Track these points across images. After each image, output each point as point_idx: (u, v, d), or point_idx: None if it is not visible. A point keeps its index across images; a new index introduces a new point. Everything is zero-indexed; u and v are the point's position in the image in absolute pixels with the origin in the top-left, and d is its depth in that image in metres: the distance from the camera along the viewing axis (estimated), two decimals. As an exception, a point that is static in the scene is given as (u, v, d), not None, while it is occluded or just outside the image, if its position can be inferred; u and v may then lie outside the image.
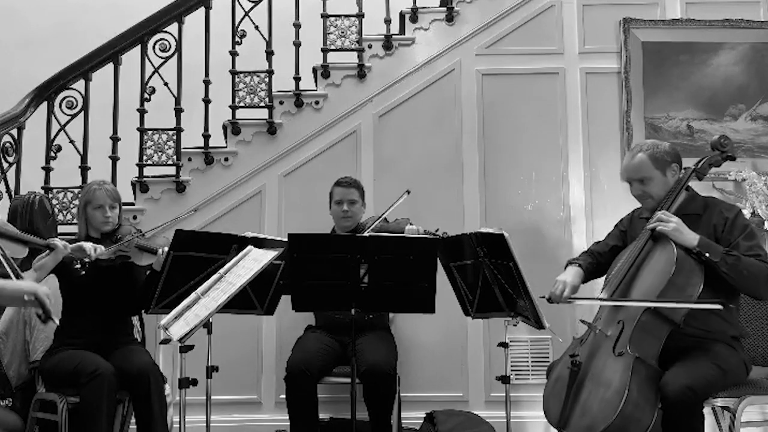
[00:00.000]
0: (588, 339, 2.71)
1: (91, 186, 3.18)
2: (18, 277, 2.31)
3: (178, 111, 4.15)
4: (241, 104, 4.22)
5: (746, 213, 3.87)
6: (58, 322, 2.27)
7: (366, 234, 3.02)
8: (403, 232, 3.21)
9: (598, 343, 2.64)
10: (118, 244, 3.02)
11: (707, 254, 2.56)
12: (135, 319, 3.38)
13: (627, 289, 2.66)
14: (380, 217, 3.31)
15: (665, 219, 2.63)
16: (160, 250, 2.98)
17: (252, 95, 4.22)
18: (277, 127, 4.16)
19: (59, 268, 2.95)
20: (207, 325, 2.69)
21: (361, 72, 4.21)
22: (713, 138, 2.88)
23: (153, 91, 4.14)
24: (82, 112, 4.09)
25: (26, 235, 2.86)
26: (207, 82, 4.20)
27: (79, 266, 2.84)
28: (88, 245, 2.92)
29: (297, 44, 4.25)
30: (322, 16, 4.27)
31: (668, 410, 2.45)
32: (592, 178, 4.13)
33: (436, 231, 3.17)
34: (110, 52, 4.10)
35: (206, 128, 4.17)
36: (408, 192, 3.24)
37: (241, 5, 4.25)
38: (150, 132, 4.14)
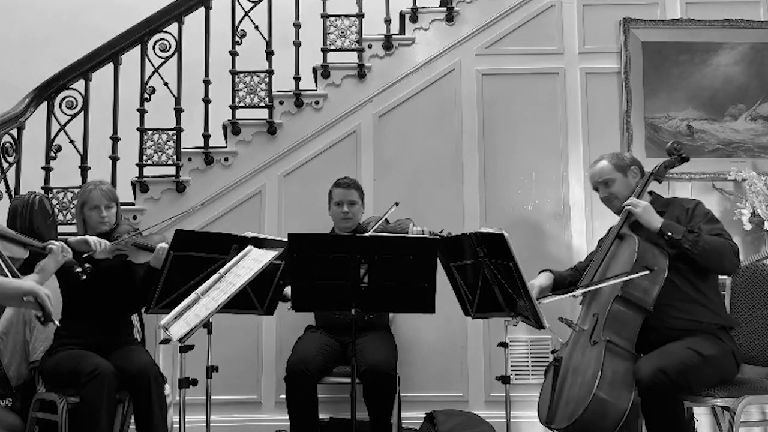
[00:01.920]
0: (570, 337, 2.85)
1: (87, 186, 3.18)
2: (16, 277, 2.28)
3: (178, 111, 4.15)
4: (241, 104, 4.22)
5: (746, 213, 3.88)
6: (58, 323, 2.22)
7: (366, 234, 3.02)
8: (406, 233, 3.21)
9: (577, 339, 2.80)
10: (115, 242, 3.01)
11: (670, 233, 2.71)
12: (135, 319, 3.38)
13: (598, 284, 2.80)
14: (380, 219, 3.31)
15: (635, 202, 2.84)
16: (158, 246, 2.99)
17: (252, 95, 4.21)
18: (277, 127, 4.16)
19: (60, 272, 2.94)
20: (207, 325, 2.69)
21: (361, 72, 4.21)
22: (667, 144, 3.07)
23: (153, 91, 4.14)
24: (82, 112, 4.08)
25: (24, 237, 2.85)
26: (207, 82, 4.20)
27: (80, 270, 2.83)
28: (93, 239, 2.92)
29: (297, 44, 4.25)
30: (322, 16, 4.27)
31: (643, 394, 2.53)
32: (592, 178, 4.13)
33: (441, 231, 3.17)
34: (110, 52, 4.10)
35: (206, 128, 4.17)
36: (396, 204, 3.29)
37: (241, 5, 4.24)
38: (150, 132, 4.14)
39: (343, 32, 4.28)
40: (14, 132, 3.91)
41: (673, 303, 2.72)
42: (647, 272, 2.65)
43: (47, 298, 2.12)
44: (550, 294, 2.93)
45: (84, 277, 2.81)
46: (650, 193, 2.98)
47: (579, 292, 2.83)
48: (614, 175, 2.95)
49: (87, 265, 2.85)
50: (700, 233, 2.71)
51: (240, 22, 4.24)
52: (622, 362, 2.60)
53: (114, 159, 4.09)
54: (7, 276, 2.28)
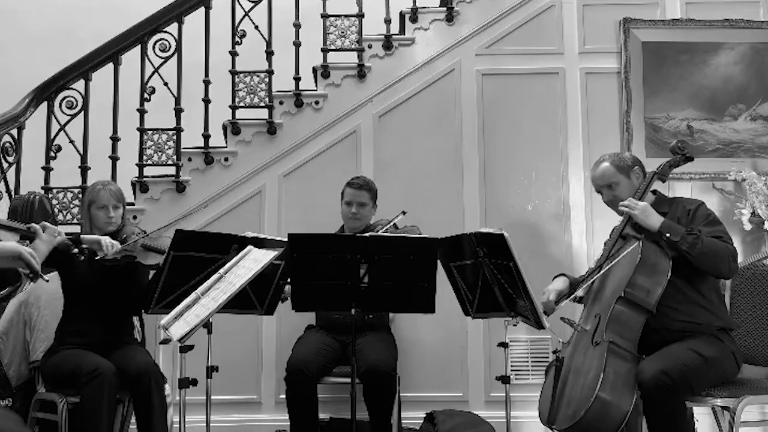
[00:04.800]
0: (572, 337, 2.84)
1: (95, 186, 3.17)
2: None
3: (178, 111, 4.15)
4: (241, 104, 4.21)
5: (746, 213, 3.88)
6: (47, 278, 2.33)
7: (366, 234, 3.02)
8: None
9: (579, 339, 2.79)
10: (125, 244, 3.01)
11: (668, 234, 2.70)
12: (135, 319, 3.38)
13: (601, 284, 2.83)
14: (388, 224, 3.29)
15: (632, 204, 2.80)
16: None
17: (252, 95, 4.21)
18: (277, 127, 4.16)
19: (61, 266, 2.92)
20: (207, 325, 2.69)
21: (361, 72, 4.21)
22: (671, 143, 3.01)
23: (153, 91, 4.14)
24: (82, 112, 4.08)
25: (9, 221, 2.77)
26: (207, 82, 4.20)
27: (77, 251, 2.78)
28: (105, 241, 2.87)
29: (297, 44, 4.25)
30: (322, 16, 4.28)
31: (645, 396, 2.53)
32: (592, 178, 4.13)
33: None
34: (110, 52, 4.10)
35: (206, 128, 4.17)
36: (404, 212, 3.28)
37: (241, 5, 4.24)
38: (150, 132, 4.14)
39: (343, 32, 4.28)
40: (14, 132, 3.91)
41: (673, 305, 2.72)
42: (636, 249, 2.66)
43: (32, 256, 2.23)
44: (564, 297, 2.90)
45: (82, 257, 2.78)
46: (654, 192, 2.95)
47: (580, 291, 2.83)
48: (617, 177, 2.91)
49: (84, 246, 2.81)
50: (699, 235, 2.68)
51: (240, 22, 4.24)
52: (624, 363, 2.59)
53: (114, 159, 4.09)
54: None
